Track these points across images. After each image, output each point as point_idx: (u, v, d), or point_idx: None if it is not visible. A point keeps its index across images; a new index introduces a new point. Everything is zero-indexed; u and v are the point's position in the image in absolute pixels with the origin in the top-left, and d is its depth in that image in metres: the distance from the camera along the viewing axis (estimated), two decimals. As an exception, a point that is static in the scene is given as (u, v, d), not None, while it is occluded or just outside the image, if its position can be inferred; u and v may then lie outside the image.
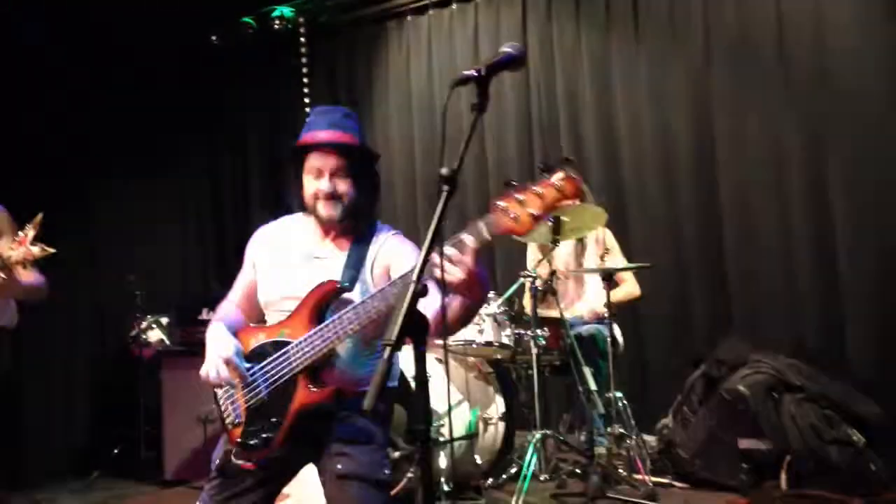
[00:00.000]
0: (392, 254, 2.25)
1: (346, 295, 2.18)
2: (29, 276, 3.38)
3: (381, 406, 2.27)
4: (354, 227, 2.30)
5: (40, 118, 5.26)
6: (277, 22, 6.07)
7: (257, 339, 2.25)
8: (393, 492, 3.48)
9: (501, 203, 1.78)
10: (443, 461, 3.49)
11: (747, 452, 3.54)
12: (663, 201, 4.92)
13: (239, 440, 2.20)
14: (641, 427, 4.07)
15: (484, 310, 3.75)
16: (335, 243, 2.31)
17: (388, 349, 1.52)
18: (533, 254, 4.56)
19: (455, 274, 1.83)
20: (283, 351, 2.17)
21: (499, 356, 3.91)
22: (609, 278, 3.94)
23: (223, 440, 2.30)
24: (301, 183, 2.29)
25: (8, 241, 3.22)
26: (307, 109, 6.57)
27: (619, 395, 3.87)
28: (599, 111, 5.17)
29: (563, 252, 4.44)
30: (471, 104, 1.71)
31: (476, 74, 1.70)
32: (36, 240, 3.09)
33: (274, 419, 2.15)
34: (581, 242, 4.42)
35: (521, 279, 3.85)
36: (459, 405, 3.67)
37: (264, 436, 2.16)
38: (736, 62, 4.66)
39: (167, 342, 5.22)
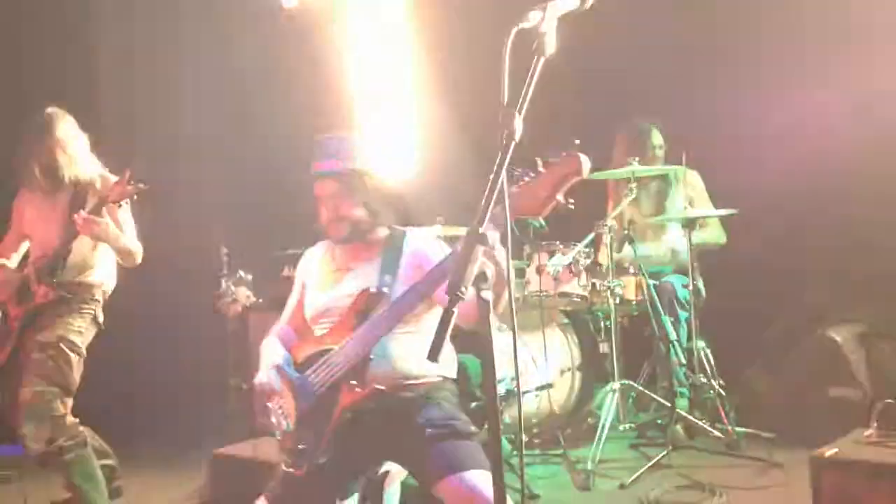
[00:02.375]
0: (421, 252, 2.33)
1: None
2: (128, 239, 3.57)
3: (446, 394, 2.32)
4: (382, 236, 2.42)
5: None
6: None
7: (305, 352, 2.35)
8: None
9: (514, 189, 1.88)
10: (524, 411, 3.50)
11: (838, 401, 3.42)
12: (748, 143, 4.71)
13: (289, 447, 2.27)
14: (726, 377, 3.97)
15: (560, 260, 3.72)
16: (368, 253, 2.41)
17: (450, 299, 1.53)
18: (611, 201, 4.46)
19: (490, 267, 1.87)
20: (325, 358, 2.26)
21: (575, 307, 3.87)
22: (692, 225, 3.82)
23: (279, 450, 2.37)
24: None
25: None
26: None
27: (701, 344, 3.77)
28: (678, 57, 4.96)
29: (645, 197, 4.33)
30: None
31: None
32: (130, 181, 3.29)
33: (320, 424, 2.22)
34: (664, 186, 4.30)
35: (598, 229, 3.77)
36: (536, 357, 3.66)
37: (311, 441, 2.22)
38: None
39: (253, 299, 5.37)
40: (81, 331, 3.57)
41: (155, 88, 5.75)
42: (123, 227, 3.58)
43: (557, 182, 1.85)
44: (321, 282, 2.47)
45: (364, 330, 2.20)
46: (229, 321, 5.49)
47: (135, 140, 5.46)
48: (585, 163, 1.84)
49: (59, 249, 3.48)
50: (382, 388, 2.19)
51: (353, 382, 2.19)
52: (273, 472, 2.40)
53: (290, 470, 2.25)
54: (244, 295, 5.50)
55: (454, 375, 2.42)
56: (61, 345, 3.47)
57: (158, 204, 5.53)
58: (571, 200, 1.86)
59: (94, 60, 5.56)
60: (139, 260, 3.63)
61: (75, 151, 3.60)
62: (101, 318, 3.70)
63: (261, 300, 5.19)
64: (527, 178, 1.88)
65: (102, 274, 3.69)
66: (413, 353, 2.29)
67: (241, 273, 5.49)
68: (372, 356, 2.20)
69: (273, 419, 2.35)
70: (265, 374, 2.32)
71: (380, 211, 2.42)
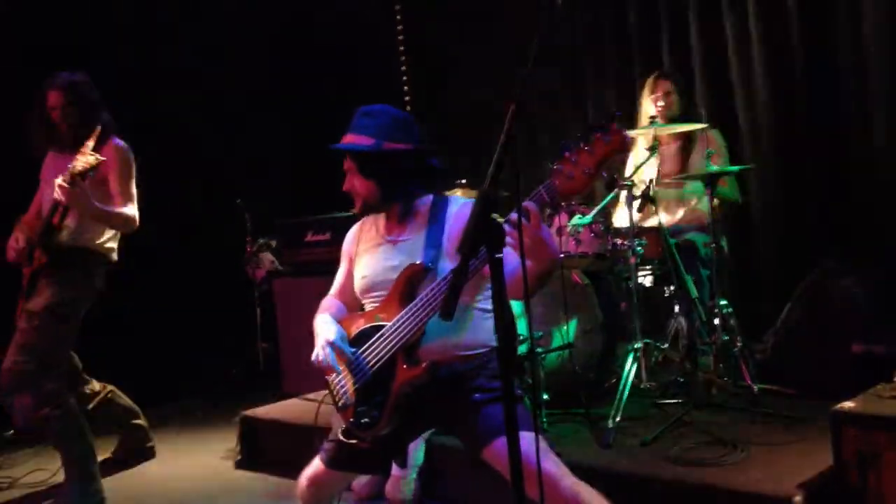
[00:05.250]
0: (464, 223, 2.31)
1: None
2: (110, 207, 3.51)
3: (496, 364, 2.32)
4: (426, 205, 2.41)
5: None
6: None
7: (357, 326, 2.38)
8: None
9: (556, 165, 1.88)
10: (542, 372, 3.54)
11: (861, 356, 3.40)
12: (774, 104, 4.67)
13: (351, 420, 2.32)
14: (749, 335, 3.97)
15: (580, 220, 3.72)
16: (413, 224, 2.41)
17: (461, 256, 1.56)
18: (632, 160, 4.43)
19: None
20: (380, 334, 2.29)
21: (596, 267, 3.87)
22: (712, 183, 3.78)
23: (335, 421, 2.43)
24: None
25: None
26: (399, 31, 6.58)
27: (723, 302, 3.76)
28: (703, 15, 4.91)
29: (668, 155, 4.31)
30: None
31: None
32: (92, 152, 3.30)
33: (379, 398, 2.26)
34: (687, 144, 4.27)
35: (618, 188, 3.74)
36: (557, 316, 3.68)
37: (373, 414, 2.27)
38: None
39: (277, 264, 5.45)
40: (74, 298, 3.53)
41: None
42: (120, 194, 3.55)
43: (601, 160, 1.86)
44: (367, 254, 2.48)
45: (416, 307, 2.22)
46: (257, 285, 5.60)
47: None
48: (628, 138, 1.85)
49: (49, 211, 3.46)
50: (437, 362, 2.23)
51: (409, 359, 2.23)
52: (310, 436, 2.47)
53: (353, 442, 2.31)
54: (268, 260, 5.59)
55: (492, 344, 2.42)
56: (46, 315, 3.43)
57: (187, 167, 5.65)
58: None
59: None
60: (132, 225, 3.58)
61: (98, 115, 3.57)
62: (99, 285, 3.64)
63: (281, 265, 5.28)
64: (570, 156, 1.87)
65: (102, 239, 3.64)
66: (464, 326, 2.31)
67: (262, 239, 5.57)
68: (425, 331, 2.23)
69: (332, 394, 2.41)
70: (321, 352, 2.34)
71: (402, 188, 2.40)
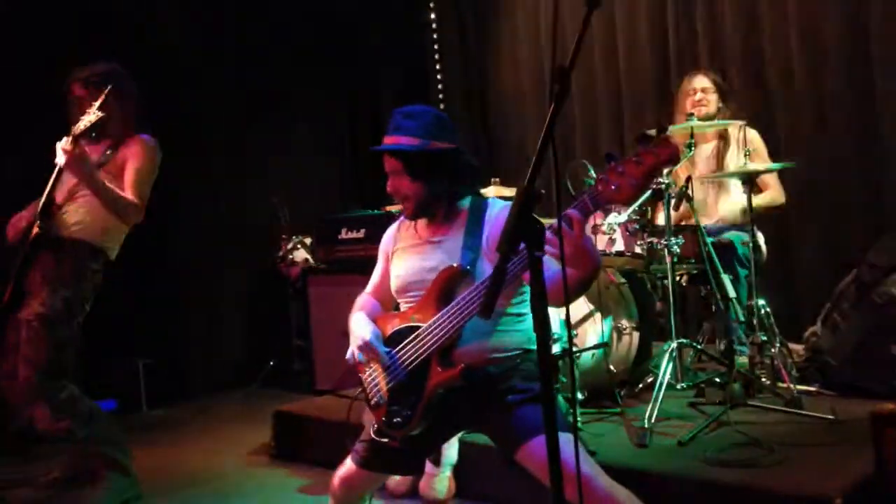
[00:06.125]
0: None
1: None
2: (123, 190, 3.40)
3: (529, 365, 2.32)
4: (464, 206, 2.40)
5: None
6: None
7: (393, 325, 2.38)
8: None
9: (602, 175, 1.88)
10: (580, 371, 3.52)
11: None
12: (812, 99, 4.60)
13: (383, 419, 2.33)
14: (789, 336, 3.92)
15: (615, 219, 3.69)
16: (451, 225, 2.41)
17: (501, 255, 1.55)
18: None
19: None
20: (415, 335, 2.29)
21: (632, 266, 3.85)
22: (751, 182, 3.74)
23: (367, 421, 2.44)
24: None
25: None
26: (434, 30, 6.59)
27: (762, 302, 3.72)
28: (741, 8, 4.85)
29: (704, 154, 4.27)
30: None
31: None
32: (102, 108, 3.23)
33: (412, 398, 2.26)
34: (724, 142, 4.23)
35: (654, 186, 3.71)
36: (592, 315, 3.66)
37: (405, 414, 2.28)
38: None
39: (311, 261, 5.49)
40: (67, 299, 3.40)
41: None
42: (131, 185, 3.43)
43: (649, 171, 1.84)
44: (404, 253, 2.48)
45: (454, 310, 2.21)
46: (291, 282, 5.65)
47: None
48: (677, 151, 1.84)
49: (52, 181, 3.37)
50: (471, 365, 2.22)
51: (444, 361, 2.23)
52: (343, 432, 2.48)
53: (385, 440, 2.33)
54: (303, 258, 5.63)
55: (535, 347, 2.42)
56: (38, 324, 3.34)
57: (223, 164, 5.70)
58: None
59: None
60: (134, 214, 3.46)
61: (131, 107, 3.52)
62: (97, 280, 3.50)
63: (315, 263, 5.31)
64: (617, 166, 1.86)
65: (108, 235, 3.52)
66: (498, 330, 2.31)
67: (297, 237, 5.62)
68: (460, 335, 2.22)
69: (366, 392, 2.42)
70: (356, 351, 2.36)
71: (447, 188, 2.39)
